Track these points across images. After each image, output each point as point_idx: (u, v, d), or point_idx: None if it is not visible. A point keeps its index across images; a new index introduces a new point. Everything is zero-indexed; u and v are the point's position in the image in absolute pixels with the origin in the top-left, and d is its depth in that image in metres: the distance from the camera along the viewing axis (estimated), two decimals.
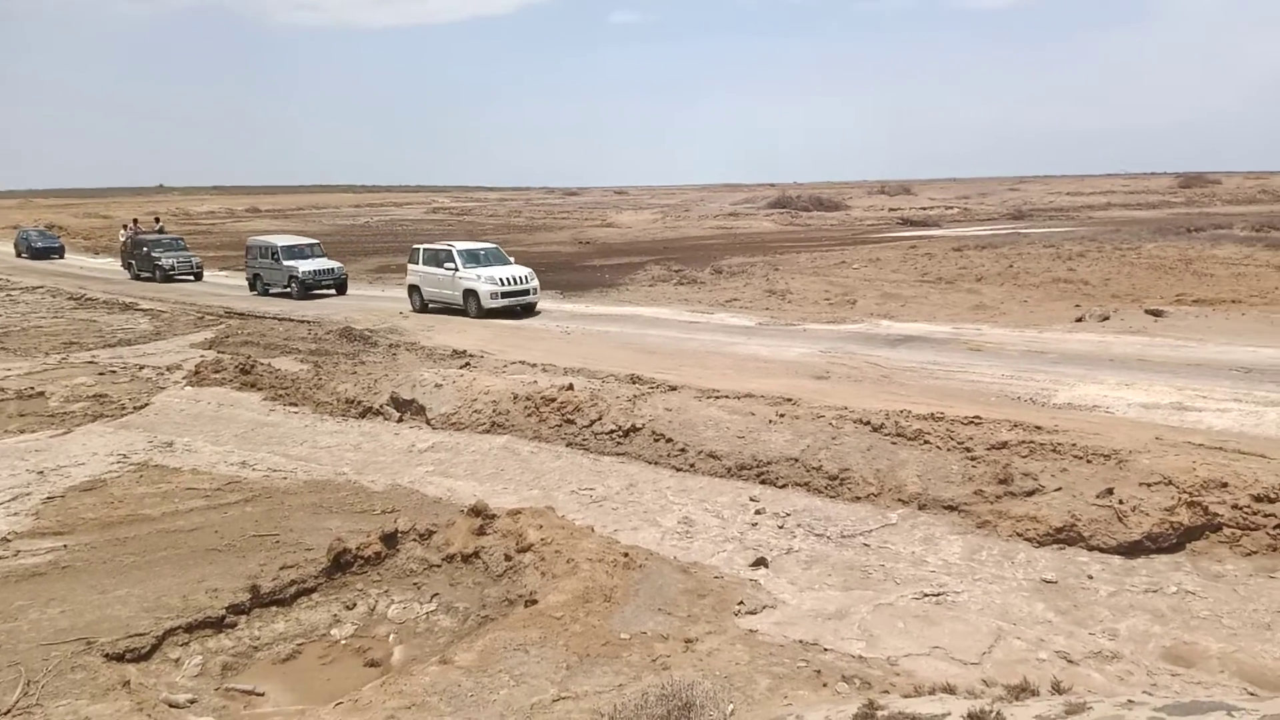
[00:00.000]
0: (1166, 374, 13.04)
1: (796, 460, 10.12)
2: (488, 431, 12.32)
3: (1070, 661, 6.22)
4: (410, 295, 24.51)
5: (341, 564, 8.31)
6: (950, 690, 4.89)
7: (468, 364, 15.40)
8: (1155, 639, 6.60)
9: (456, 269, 22.98)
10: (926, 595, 7.34)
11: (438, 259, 23.77)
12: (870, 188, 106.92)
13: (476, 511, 8.62)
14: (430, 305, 23.90)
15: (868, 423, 10.38)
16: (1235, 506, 8.07)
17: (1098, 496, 8.38)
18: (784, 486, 9.91)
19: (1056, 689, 4.72)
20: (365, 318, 22.05)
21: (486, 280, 22.55)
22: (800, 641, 6.54)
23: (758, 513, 9.32)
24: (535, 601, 7.14)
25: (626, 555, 7.93)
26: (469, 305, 22.67)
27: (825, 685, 5.81)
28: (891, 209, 66.61)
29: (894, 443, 9.97)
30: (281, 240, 30.42)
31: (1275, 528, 7.88)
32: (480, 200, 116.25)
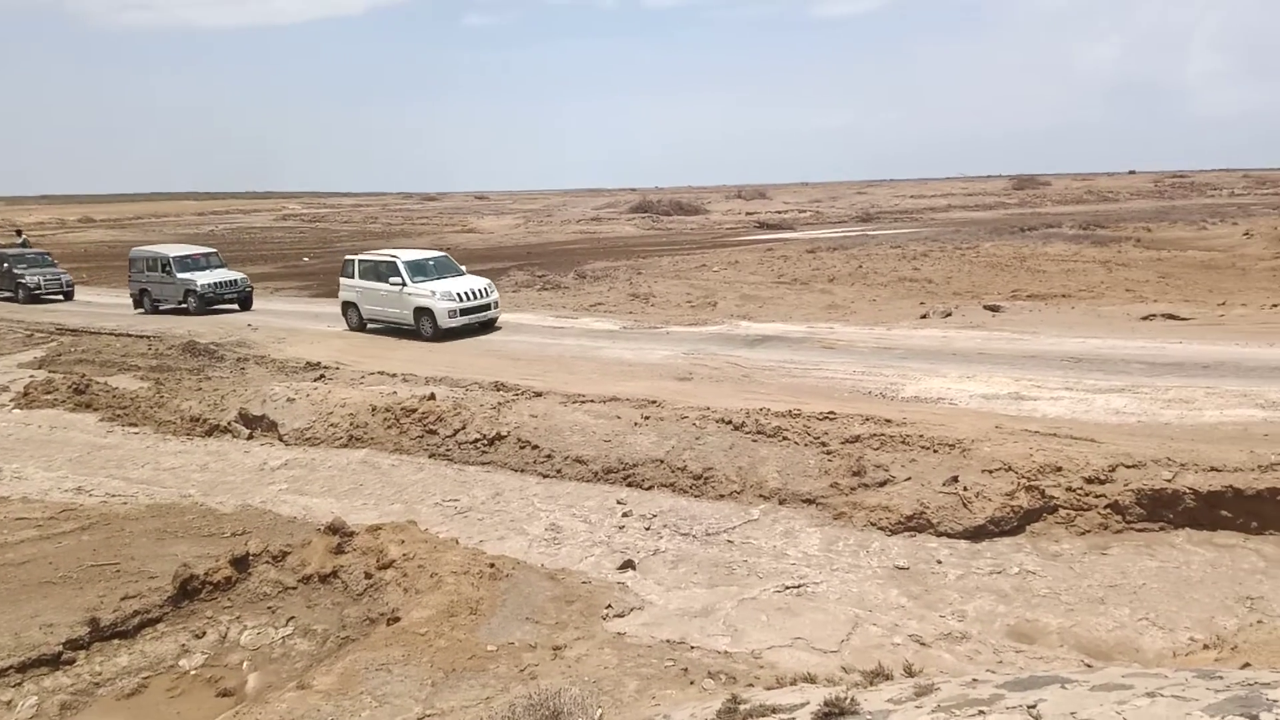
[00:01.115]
0: (1005, 366, 13.83)
1: (662, 461, 10.24)
2: (345, 446, 11.96)
3: (923, 644, 6.51)
4: (345, 314, 21.32)
5: (189, 591, 7.90)
6: (811, 679, 5.03)
7: (322, 376, 14.91)
8: (1000, 618, 6.98)
9: (404, 283, 19.74)
10: (788, 588, 7.54)
11: (378, 272, 20.47)
12: (728, 192, 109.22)
13: (334, 529, 8.34)
14: (370, 325, 20.81)
15: (729, 422, 10.59)
16: (1069, 489, 8.63)
17: (944, 484, 8.81)
18: (650, 488, 10.01)
19: (909, 672, 4.93)
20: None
21: (443, 296, 19.42)
22: (668, 641, 6.61)
23: (625, 515, 9.38)
24: (398, 619, 6.96)
25: (493, 566, 7.84)
26: (422, 326, 19.54)
27: (692, 683, 5.89)
28: (748, 213, 68.25)
29: (755, 440, 10.21)
30: (174, 250, 27.11)
31: (1106, 507, 8.47)
32: (334, 206, 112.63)
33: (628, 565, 8.22)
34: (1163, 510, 8.33)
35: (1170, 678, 2.86)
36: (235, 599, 7.95)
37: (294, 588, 7.99)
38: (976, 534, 8.31)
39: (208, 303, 25.13)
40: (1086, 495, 8.54)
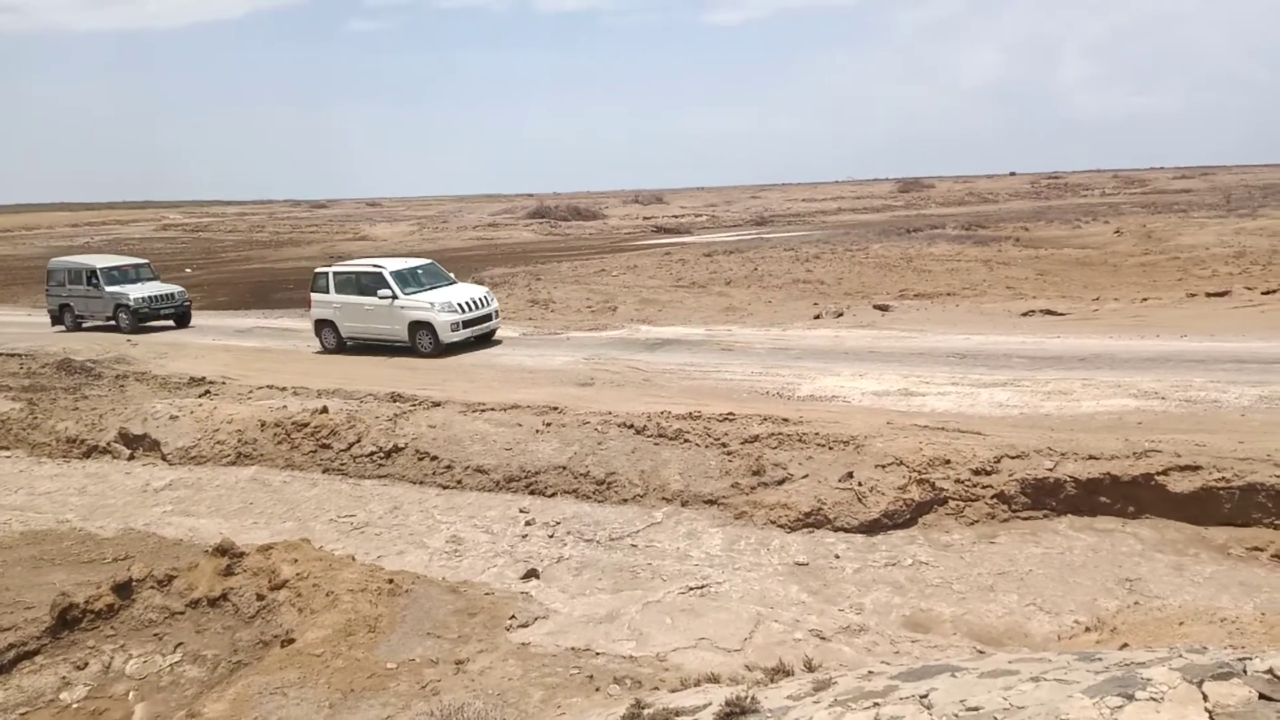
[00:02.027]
0: (894, 363, 14.23)
1: (565, 468, 10.19)
2: (233, 463, 11.54)
3: (823, 638, 6.64)
4: (320, 333, 19.07)
5: (69, 621, 7.50)
6: (715, 679, 5.07)
7: (207, 392, 14.34)
8: (896, 609, 7.17)
9: (394, 296, 17.85)
10: (691, 589, 7.59)
11: (360, 285, 18.51)
12: (626, 197, 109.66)
13: (222, 550, 8.02)
14: (350, 343, 18.73)
15: (631, 426, 10.61)
16: (958, 481, 8.93)
17: (840, 480, 9.01)
18: (553, 495, 9.95)
19: (809, 667, 5.01)
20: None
21: (443, 308, 17.61)
22: (573, 649, 6.58)
23: (528, 524, 9.30)
24: (293, 640, 6.74)
25: (392, 582, 7.66)
26: (419, 341, 17.73)
27: (598, 690, 5.87)
28: (646, 217, 68.69)
29: (657, 443, 10.26)
30: (100, 261, 24.55)
31: (993, 498, 8.80)
32: (218, 215, 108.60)
33: (531, 574, 8.15)
34: (1046, 498, 8.70)
35: (1054, 661, 2.97)
36: (119, 627, 7.58)
37: (182, 613, 7.65)
38: (872, 528, 8.52)
39: (141, 319, 22.75)
40: (974, 486, 8.85)
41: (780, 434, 9.95)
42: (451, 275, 19.82)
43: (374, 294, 18.15)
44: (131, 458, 12.15)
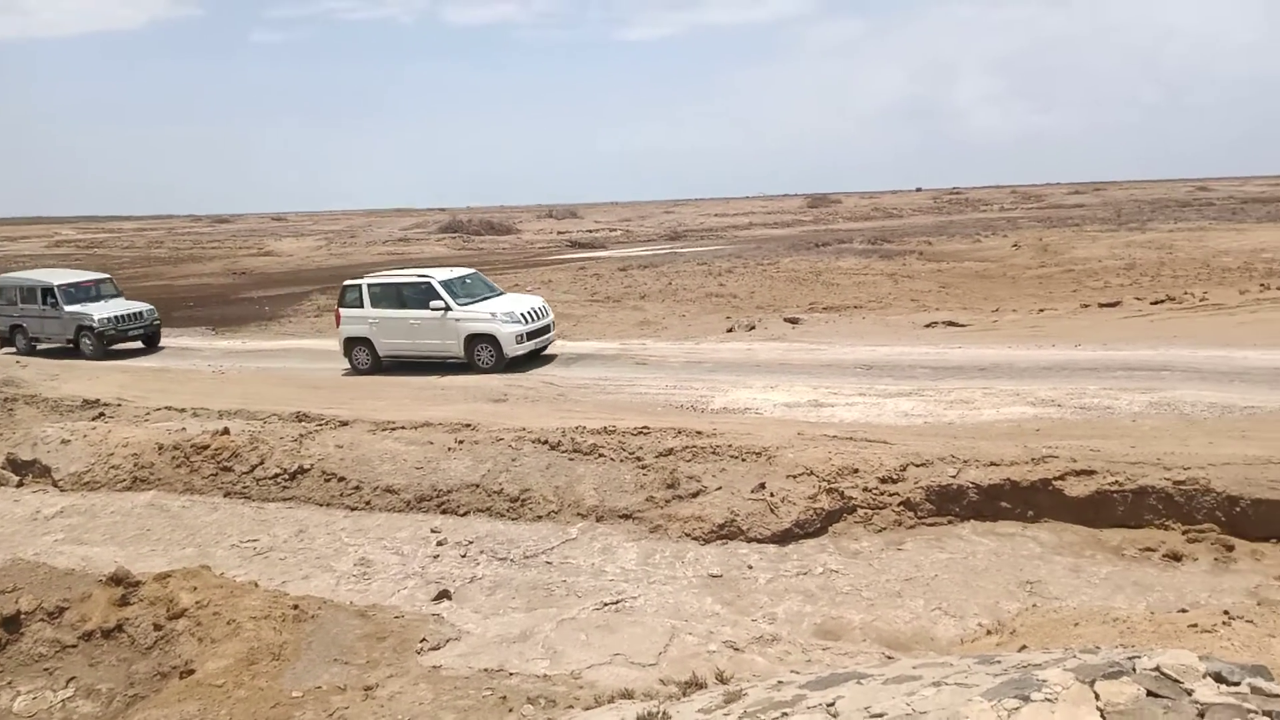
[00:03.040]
0: (805, 375, 14.47)
1: (478, 486, 10.05)
2: (129, 488, 11.06)
3: (737, 650, 6.67)
4: (350, 353, 17.61)
5: None
6: (629, 695, 5.04)
7: (101, 415, 13.73)
8: (808, 618, 7.26)
9: (447, 308, 16.60)
10: (607, 604, 7.56)
11: (402, 298, 17.18)
12: (540, 211, 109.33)
13: (117, 580, 7.68)
14: (388, 361, 17.40)
15: (546, 441, 10.53)
16: (866, 489, 9.10)
17: (753, 491, 9.09)
18: (466, 514, 9.80)
19: (721, 679, 5.03)
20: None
21: (506, 318, 16.45)
22: (485, 670, 6.47)
23: (440, 544, 9.13)
24: (192, 671, 6.49)
25: (297, 607, 7.43)
26: (477, 356, 16.54)
27: (511, 710, 5.78)
28: (560, 232, 68.59)
29: (571, 459, 10.20)
30: (57, 277, 22.50)
31: (899, 505, 8.98)
32: (114, 231, 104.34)
33: (443, 595, 8.00)
34: (950, 504, 8.92)
35: (955, 665, 3.03)
36: (6, 663, 7.21)
37: (74, 646, 7.30)
38: (784, 537, 8.61)
39: (108, 342, 20.78)
40: (882, 494, 9.02)
41: (694, 447, 10.00)
42: (497, 285, 18.87)
43: (421, 306, 16.86)
44: (20, 485, 11.56)
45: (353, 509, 10.13)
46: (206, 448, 11.25)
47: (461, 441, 10.81)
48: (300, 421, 12.40)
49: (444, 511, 9.87)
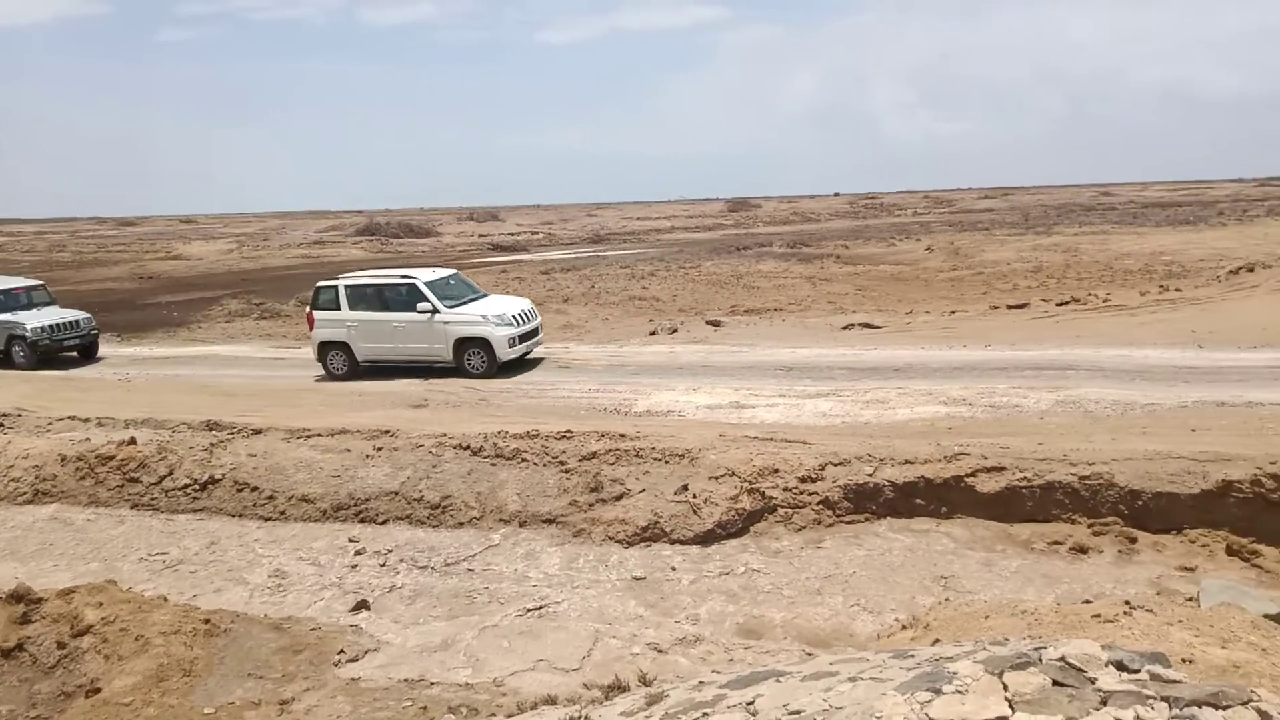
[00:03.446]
0: (726, 377, 14.61)
1: (397, 493, 9.89)
2: (30, 501, 10.59)
3: (660, 651, 6.70)
4: (325, 358, 16.73)
5: None
6: (552, 701, 5.02)
7: (0, 425, 13.11)
8: (730, 617, 7.32)
9: (434, 310, 15.91)
10: (529, 610, 7.51)
11: (385, 299, 16.39)
12: (460, 214, 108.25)
13: (17, 597, 7.34)
14: (366, 366, 16.60)
15: (467, 447, 10.42)
16: (786, 489, 9.22)
17: (676, 493, 9.14)
18: (385, 522, 9.63)
19: (644, 682, 5.03)
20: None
21: (498, 321, 15.90)
22: (406, 680, 6.37)
23: (358, 554, 8.96)
24: (99, 690, 6.24)
25: (209, 622, 7.21)
26: (468, 361, 15.86)
27: None
28: (482, 235, 68.01)
29: (494, 464, 10.11)
30: None
31: (818, 504, 9.13)
32: (12, 234, 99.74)
33: (361, 606, 7.85)
34: (867, 502, 9.10)
35: (871, 660, 3.09)
36: None
37: None
38: (706, 538, 8.67)
39: (44, 354, 19.12)
40: (801, 493, 9.16)
41: (618, 450, 10.00)
42: (478, 286, 18.22)
43: (406, 309, 16.13)
44: None
45: (267, 519, 9.87)
46: (112, 458, 10.83)
47: (380, 449, 10.62)
48: (211, 430, 12.01)
49: (362, 520, 9.69)
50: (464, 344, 15.95)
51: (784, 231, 58.13)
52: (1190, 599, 5.09)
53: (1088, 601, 4.66)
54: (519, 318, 16.35)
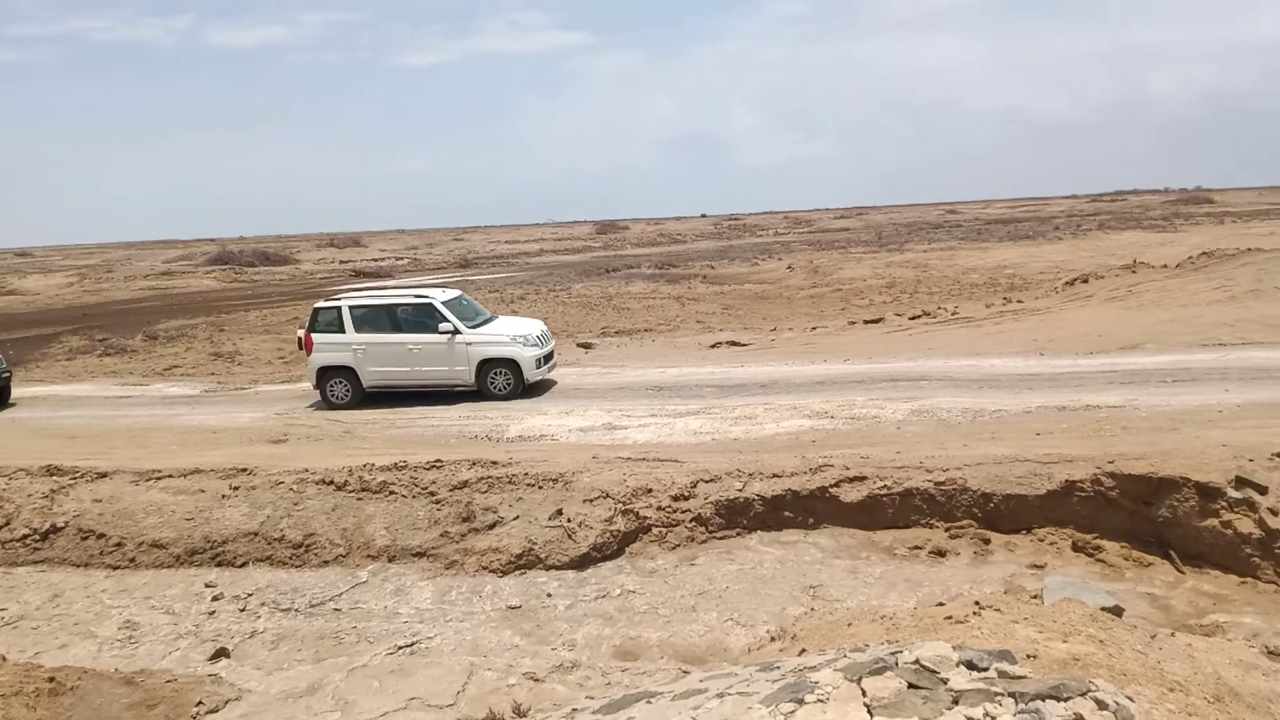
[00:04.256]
0: (598, 398, 14.64)
1: (256, 534, 9.48)
2: None
3: (537, 680, 6.62)
4: (323, 384, 15.57)
5: None
6: None
7: None
8: (607, 640, 7.31)
9: (455, 331, 15.19)
10: (400, 648, 7.31)
11: (396, 320, 15.50)
12: (319, 240, 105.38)
13: None
14: (373, 391, 15.58)
15: (331, 482, 10.09)
16: (660, 508, 9.30)
17: (550, 519, 9.08)
18: (244, 565, 9.22)
19: (518, 713, 4.97)
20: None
21: (523, 341, 15.34)
22: None
23: (215, 599, 8.54)
24: None
25: (53, 680, 6.70)
26: (491, 383, 15.23)
27: None
28: (343, 261, 66.31)
29: (360, 498, 9.82)
30: None
31: (691, 521, 9.24)
32: None
33: (221, 653, 7.48)
34: (738, 517, 9.27)
35: (739, 675, 3.14)
36: None
37: None
38: (582, 562, 8.65)
39: None
40: (675, 512, 9.26)
41: (490, 477, 9.88)
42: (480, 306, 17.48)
43: (423, 330, 15.35)
44: None
45: (115, 568, 9.29)
46: None
47: (237, 488, 10.17)
48: (52, 475, 11.21)
49: (220, 564, 9.24)
50: (488, 365, 15.35)
51: (652, 253, 58.95)
52: (1035, 596, 5.39)
53: (940, 604, 4.87)
54: (540, 339, 15.89)
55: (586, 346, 20.73)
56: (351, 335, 15.46)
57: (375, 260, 65.45)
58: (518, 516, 9.26)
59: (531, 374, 15.33)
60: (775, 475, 9.48)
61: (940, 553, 8.61)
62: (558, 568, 8.61)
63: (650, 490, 9.42)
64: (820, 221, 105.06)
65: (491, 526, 9.23)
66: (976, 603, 4.18)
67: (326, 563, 9.07)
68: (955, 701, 2.56)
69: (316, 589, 8.55)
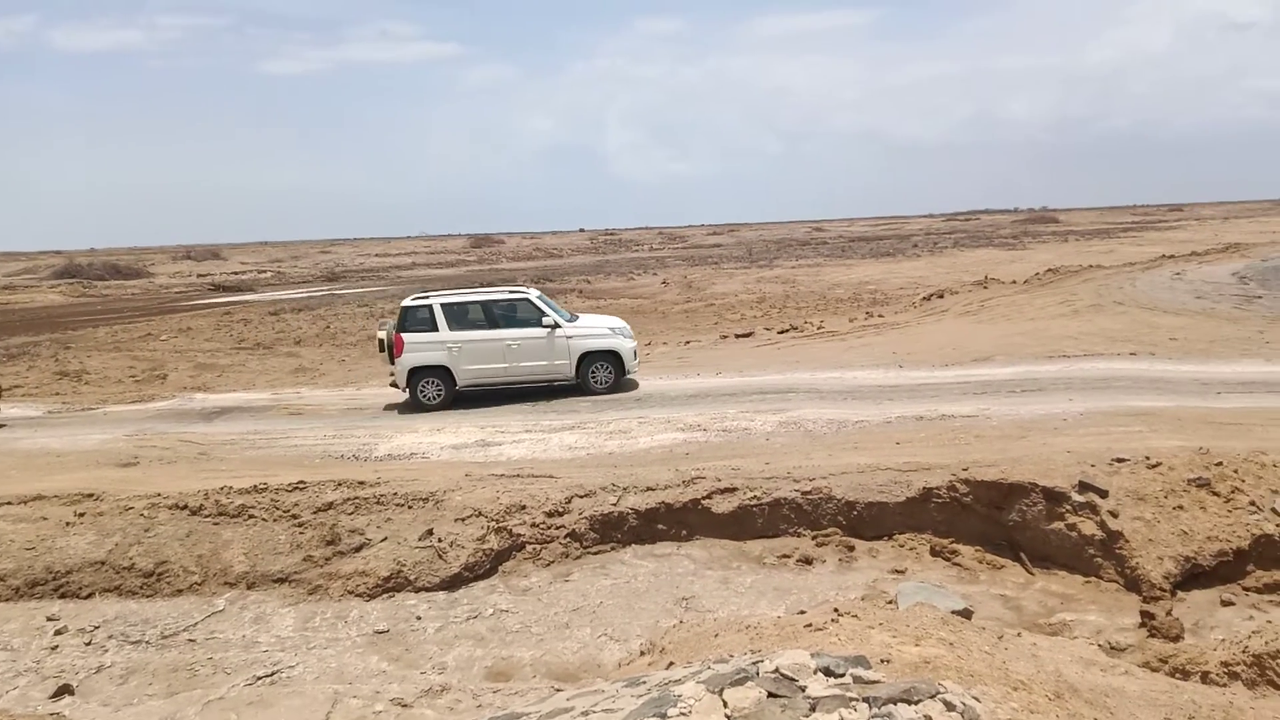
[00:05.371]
0: (472, 414, 14.43)
1: (104, 563, 8.94)
2: None
3: (405, 706, 6.45)
4: (415, 384, 15.10)
5: None
6: None
7: None
8: (479, 662, 7.20)
9: (556, 325, 15.28)
10: (260, 678, 7.01)
11: (492, 316, 15.40)
12: (175, 253, 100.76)
13: None
14: (467, 391, 15.36)
15: (185, 506, 9.61)
16: (534, 525, 9.23)
17: (420, 539, 8.89)
18: (90, 596, 8.67)
19: None
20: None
21: (621, 333, 15.77)
22: None
23: (58, 633, 8.01)
24: None
25: None
26: (593, 377, 15.40)
27: None
28: (201, 274, 63.52)
29: (216, 523, 9.39)
30: None
31: (566, 537, 9.21)
32: None
33: (64, 690, 7.01)
34: (613, 531, 9.30)
35: (605, 691, 3.14)
36: None
37: None
38: (453, 583, 8.50)
39: None
40: (549, 528, 9.21)
41: (357, 498, 9.60)
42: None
43: (519, 325, 15.32)
44: None
45: None
46: None
47: (82, 514, 9.57)
48: None
49: (63, 595, 8.66)
50: (589, 359, 15.43)
51: (528, 267, 58.72)
52: (891, 601, 5.59)
53: (801, 612, 5.00)
54: (630, 334, 16.16)
55: None
56: (446, 333, 15.20)
57: (236, 274, 62.94)
58: (386, 538, 9.03)
59: (631, 366, 15.65)
60: (649, 489, 9.55)
61: (808, 560, 8.84)
62: (428, 589, 8.43)
63: (524, 507, 9.34)
64: (694, 237, 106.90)
65: (358, 549, 8.96)
66: (835, 609, 4.31)
67: (180, 591, 8.63)
68: (813, 709, 2.63)
69: (169, 619, 8.11)
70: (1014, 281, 29.05)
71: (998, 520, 9.00)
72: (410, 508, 9.41)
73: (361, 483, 10.09)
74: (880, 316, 23.95)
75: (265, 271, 66.07)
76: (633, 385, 15.84)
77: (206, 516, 9.42)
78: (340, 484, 10.06)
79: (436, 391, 15.28)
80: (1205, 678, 5.06)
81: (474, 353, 15.29)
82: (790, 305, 28.90)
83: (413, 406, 15.18)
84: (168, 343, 25.64)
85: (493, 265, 65.30)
